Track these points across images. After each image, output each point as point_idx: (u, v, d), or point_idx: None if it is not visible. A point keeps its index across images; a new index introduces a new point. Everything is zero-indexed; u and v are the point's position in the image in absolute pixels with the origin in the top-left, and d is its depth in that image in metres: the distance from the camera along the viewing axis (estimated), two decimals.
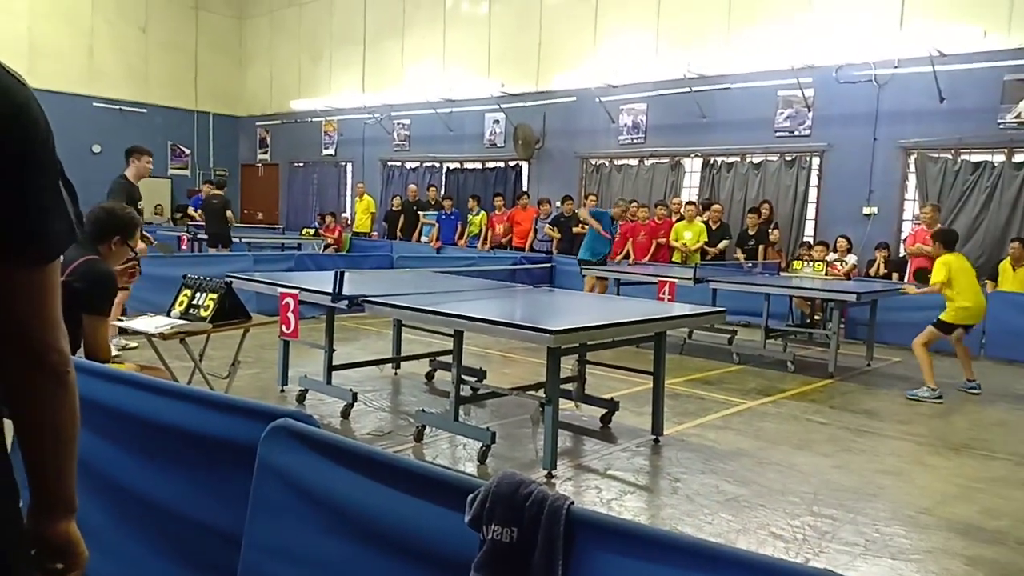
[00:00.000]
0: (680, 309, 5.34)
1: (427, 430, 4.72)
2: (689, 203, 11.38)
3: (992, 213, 9.69)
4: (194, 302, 4.30)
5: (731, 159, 11.92)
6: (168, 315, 4.34)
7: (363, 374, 6.08)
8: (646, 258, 11.13)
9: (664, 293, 6.83)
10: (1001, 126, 9.54)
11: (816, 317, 9.39)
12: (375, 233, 15.40)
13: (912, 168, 10.38)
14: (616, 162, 13.29)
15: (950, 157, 10.01)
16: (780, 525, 3.63)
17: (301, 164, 19.13)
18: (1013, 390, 6.99)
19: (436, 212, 14.17)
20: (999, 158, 9.70)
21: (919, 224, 9.70)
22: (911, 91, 10.08)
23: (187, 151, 19.33)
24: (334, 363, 5.41)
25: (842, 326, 7.65)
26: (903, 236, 10.35)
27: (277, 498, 1.91)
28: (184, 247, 11.23)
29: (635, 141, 12.97)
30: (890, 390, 6.86)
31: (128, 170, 6.85)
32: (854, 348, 8.20)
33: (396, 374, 6.50)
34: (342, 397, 5.17)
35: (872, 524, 3.67)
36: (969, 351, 7.04)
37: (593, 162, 13.63)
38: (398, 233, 14.49)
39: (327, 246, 13.77)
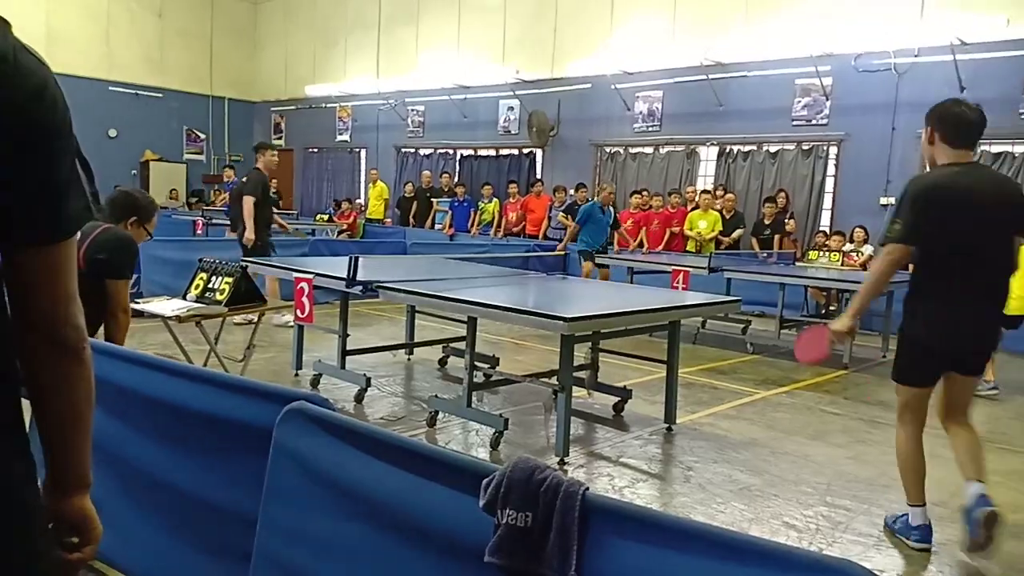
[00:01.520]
0: (694, 298, 5.31)
1: (440, 416, 4.73)
2: (704, 192, 11.31)
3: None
4: (210, 286, 4.32)
5: (747, 148, 11.82)
6: (184, 298, 4.36)
7: (377, 359, 6.10)
8: (660, 247, 11.08)
9: (678, 282, 6.80)
10: (1023, 116, 9.40)
11: (831, 308, 9.32)
12: (388, 219, 15.42)
13: None
14: (631, 150, 13.21)
15: None
16: (793, 515, 3.62)
17: (316, 150, 19.14)
18: None
19: (449, 199, 14.16)
20: (1020, 149, 9.56)
21: None
22: (931, 80, 9.93)
23: (202, 136, 19.39)
24: (348, 348, 5.43)
25: None
26: None
27: (292, 481, 1.92)
28: (199, 231, 11.29)
29: (650, 129, 12.89)
30: None
31: (258, 163, 7.61)
32: (869, 339, 8.13)
33: (409, 360, 6.52)
34: (356, 382, 5.19)
35: (885, 515, 3.65)
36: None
37: (608, 150, 13.55)
38: (411, 220, 14.50)
39: (341, 232, 13.80)
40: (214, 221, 11.73)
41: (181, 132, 18.86)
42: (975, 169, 3.37)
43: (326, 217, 14.89)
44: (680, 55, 12.08)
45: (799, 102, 11.18)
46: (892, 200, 10.29)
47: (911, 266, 3.46)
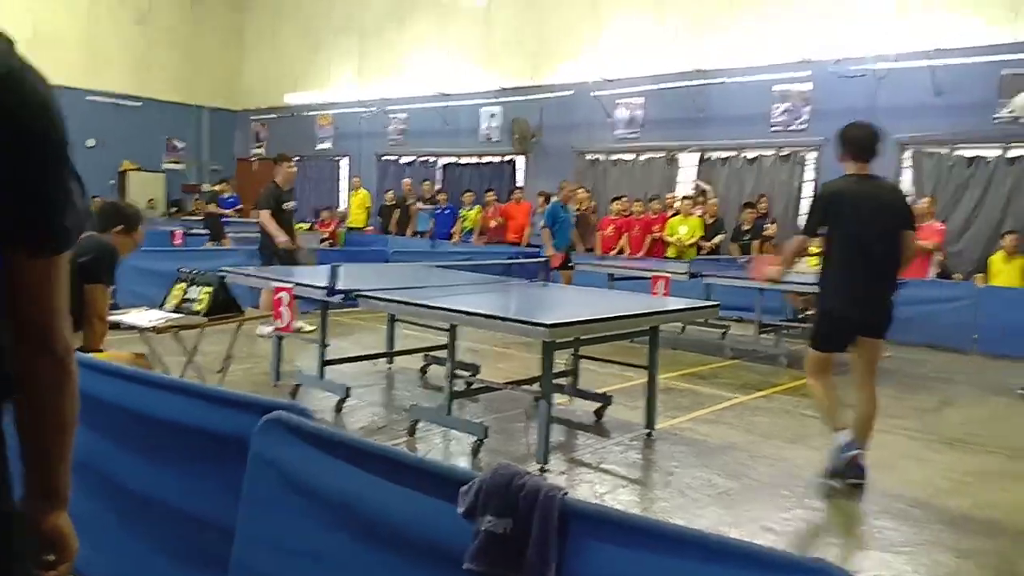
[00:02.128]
0: (674, 304, 5.35)
1: (420, 424, 4.72)
2: (685, 198, 11.40)
3: (986, 208, 9.73)
4: (188, 296, 4.29)
5: (726, 154, 11.93)
6: (161, 309, 4.33)
7: (357, 369, 6.08)
8: (641, 252, 11.14)
9: (658, 288, 6.84)
10: (996, 121, 9.57)
11: (809, 312, 9.41)
12: (371, 228, 15.39)
13: (908, 163, 10.41)
14: (612, 157, 13.29)
15: (946, 152, 10.04)
16: (772, 518, 3.64)
17: (296, 158, 19.04)
18: (1008, 384, 7.01)
19: (431, 207, 14.14)
20: (994, 153, 9.73)
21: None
22: (908, 85, 10.08)
23: (183, 145, 19.27)
24: (328, 358, 5.41)
25: None
26: None
27: (270, 490, 1.92)
28: (178, 242, 11.21)
29: (631, 135, 12.97)
30: (883, 385, 6.83)
31: (277, 176, 7.85)
32: None
33: (390, 369, 6.50)
34: (335, 392, 5.17)
35: (864, 517, 3.69)
36: None
37: (589, 156, 13.62)
38: (393, 228, 14.48)
39: (322, 240, 13.75)
40: (193, 231, 11.66)
41: (161, 141, 18.72)
42: (870, 179, 4.20)
43: (307, 226, 14.83)
44: (661, 62, 12.18)
45: (778, 108, 11.30)
46: None
47: (825, 256, 4.25)
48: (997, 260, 9.13)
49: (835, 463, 4.07)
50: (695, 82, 11.91)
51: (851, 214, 4.05)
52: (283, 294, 4.84)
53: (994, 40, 9.45)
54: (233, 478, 1.97)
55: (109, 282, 3.54)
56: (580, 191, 12.60)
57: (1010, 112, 9.46)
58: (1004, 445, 5.05)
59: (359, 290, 4.61)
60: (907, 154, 10.37)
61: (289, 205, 7.73)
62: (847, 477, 4.01)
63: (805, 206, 11.21)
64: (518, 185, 13.94)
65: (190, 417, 2.14)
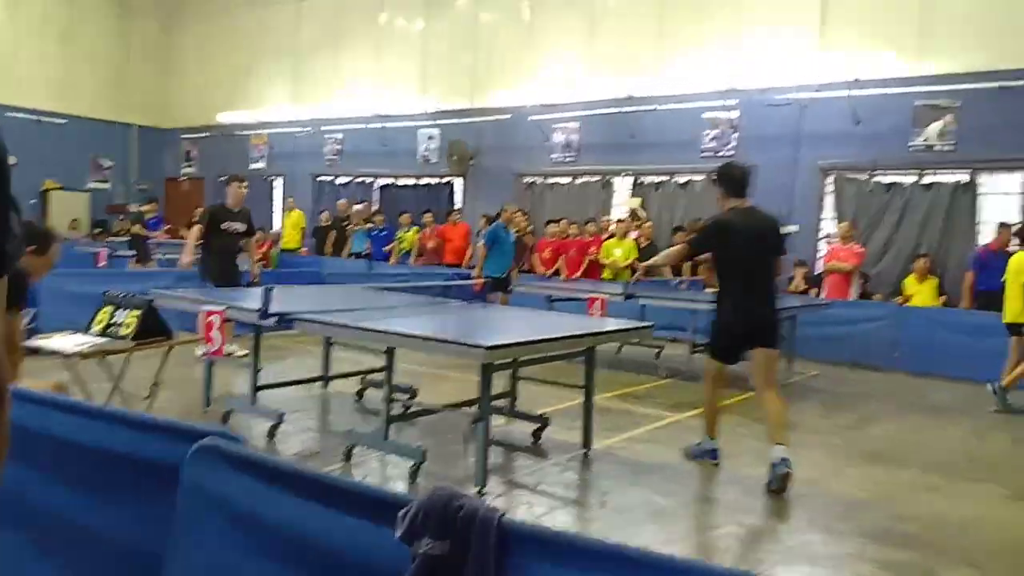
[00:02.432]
0: (610, 324, 5.44)
1: (357, 449, 4.66)
2: (619, 220, 11.63)
3: (903, 232, 10.22)
4: (114, 320, 4.16)
5: (659, 178, 12.24)
6: (87, 333, 4.18)
7: (291, 393, 5.97)
8: (578, 274, 11.29)
9: (595, 309, 6.94)
10: (911, 149, 10.10)
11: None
12: (304, 249, 15.17)
13: (830, 188, 10.87)
14: (549, 180, 13.47)
15: (865, 178, 10.53)
16: (706, 534, 3.73)
17: (223, 178, 18.70)
18: (926, 401, 7.35)
19: (367, 229, 14.03)
20: (910, 179, 10.25)
21: (835, 241, 10.15)
22: (830, 114, 10.56)
23: (108, 164, 18.68)
24: (261, 382, 5.30)
25: None
26: (820, 254, 10.81)
27: (203, 519, 1.87)
28: (102, 263, 10.83)
29: (568, 159, 13.18)
30: (809, 402, 7.12)
31: (227, 197, 7.75)
32: None
33: (325, 393, 6.40)
34: (268, 417, 5.07)
35: (791, 532, 3.81)
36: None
37: (527, 179, 13.78)
38: (327, 249, 14.31)
39: (256, 261, 13.46)
40: (118, 252, 11.29)
41: (86, 160, 18.10)
42: (750, 211, 4.91)
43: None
44: (595, 89, 12.45)
45: (708, 134, 11.67)
46: (796, 228, 10.92)
47: (718, 277, 4.93)
48: (911, 282, 9.60)
49: (775, 480, 4.36)
50: (628, 108, 12.21)
51: (739, 242, 4.69)
52: (214, 317, 4.73)
53: (907, 73, 10.00)
54: (164, 507, 1.92)
55: (21, 307, 3.37)
56: (518, 214, 12.73)
57: (924, 140, 10.01)
58: (921, 459, 5.28)
59: (294, 312, 4.55)
60: (829, 180, 10.83)
61: (230, 226, 7.49)
62: (782, 485, 4.34)
63: None
64: (456, 207, 13.98)
65: (118, 445, 2.08)
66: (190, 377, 6.24)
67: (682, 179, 11.97)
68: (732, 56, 11.28)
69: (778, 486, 4.30)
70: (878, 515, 4.12)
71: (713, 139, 11.62)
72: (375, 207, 15.21)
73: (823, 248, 10.83)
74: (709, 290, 7.68)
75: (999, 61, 9.39)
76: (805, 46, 10.71)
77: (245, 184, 7.81)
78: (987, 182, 9.79)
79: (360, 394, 6.29)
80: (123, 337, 4.09)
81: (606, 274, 11.14)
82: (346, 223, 14.33)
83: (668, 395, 7.03)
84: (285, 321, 4.52)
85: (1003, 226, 9.12)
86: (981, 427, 6.38)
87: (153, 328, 4.19)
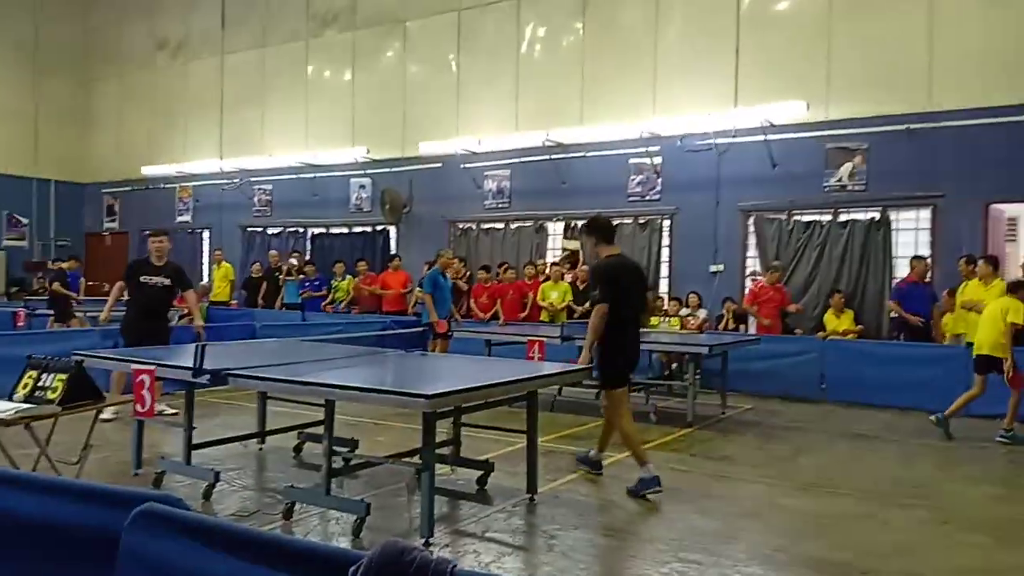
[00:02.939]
0: (550, 367, 5.50)
1: (297, 506, 4.55)
2: (554, 264, 11.81)
3: (823, 268, 10.69)
4: (40, 384, 3.99)
5: None
6: (11, 399, 4.00)
7: (226, 451, 5.80)
8: (520, 316, 11.36)
9: (534, 352, 7.00)
10: (826, 189, 10.63)
11: (673, 367, 9.93)
12: (235, 301, 14.85)
13: (751, 228, 11.31)
14: (483, 226, 13.61)
15: (784, 218, 11.00)
16: (650, 572, 3.77)
17: (146, 232, 18.24)
18: (853, 430, 7.62)
19: (298, 280, 13.84)
20: (826, 218, 10.76)
21: (760, 279, 10.52)
22: (747, 158, 11.05)
23: (25, 221, 17.99)
24: (195, 441, 5.14)
25: (697, 377, 8.12)
26: (746, 291, 11.18)
27: None
28: (21, 323, 10.36)
29: (500, 205, 13.37)
30: (744, 436, 7.31)
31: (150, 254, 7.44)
32: (710, 397, 8.67)
33: (261, 449, 6.24)
34: (203, 477, 4.91)
35: (733, 565, 3.88)
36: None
37: (461, 226, 13.89)
38: (259, 301, 14.04)
39: (182, 316, 13.12)
40: (37, 311, 10.83)
41: (0, 217, 17.40)
42: (623, 256, 5.75)
43: None
44: (524, 137, 12.73)
45: (633, 179, 12.03)
46: (721, 267, 11.29)
47: (609, 315, 5.21)
48: (830, 317, 10.02)
49: (639, 489, 5.06)
50: (556, 156, 12.52)
51: (626, 283, 5.31)
52: (144, 377, 4.58)
53: (817, 118, 10.59)
54: None
55: None
56: (454, 261, 12.79)
57: (837, 181, 10.55)
58: (852, 487, 5.46)
59: (228, 369, 4.46)
60: (750, 220, 11.28)
61: (150, 280, 7.21)
62: (647, 494, 5.06)
63: (664, 270, 11.91)
64: (394, 254, 13.91)
65: (49, 515, 2.00)
66: (117, 440, 6.01)
67: (613, 222, 12.24)
68: (652, 105, 11.72)
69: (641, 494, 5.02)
70: (816, 544, 4.24)
71: (639, 184, 11.99)
72: (307, 256, 15.05)
73: (748, 284, 11.22)
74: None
75: (903, 105, 10.04)
76: (720, 94, 11.22)
77: (161, 238, 7.49)
78: (898, 218, 10.36)
79: (298, 449, 6.15)
80: (50, 401, 3.92)
81: (544, 316, 11.25)
82: (278, 273, 14.12)
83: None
84: (219, 378, 4.42)
85: (917, 259, 9.65)
86: (907, 454, 6.65)
87: (82, 391, 4.03)
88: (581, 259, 11.92)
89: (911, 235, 10.29)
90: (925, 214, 10.17)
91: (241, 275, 15.37)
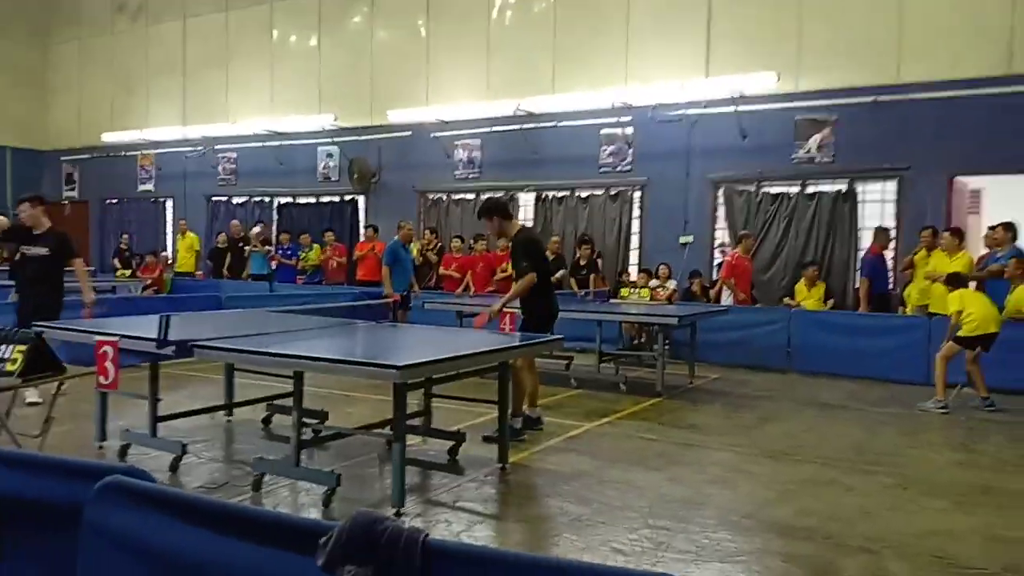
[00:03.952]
0: (520, 338, 5.49)
1: (266, 478, 4.52)
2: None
3: (791, 240, 10.80)
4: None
5: (562, 193, 12.47)
6: None
7: (193, 423, 5.73)
8: (487, 289, 11.32)
9: (504, 323, 6.99)
10: (795, 161, 10.70)
11: (642, 339, 10.01)
12: (200, 272, 14.61)
13: (721, 200, 11.36)
14: (453, 196, 13.50)
15: (753, 189, 11.07)
16: (620, 540, 3.81)
17: (115, 201, 17.84)
18: (818, 399, 7.76)
19: (264, 251, 13.63)
20: (794, 190, 10.85)
21: (735, 251, 10.54)
22: (718, 129, 11.06)
23: None
24: (160, 413, 5.06)
25: (667, 347, 8.19)
26: (715, 262, 11.27)
27: (110, 561, 1.78)
28: None
29: (471, 176, 13.26)
30: (712, 405, 7.40)
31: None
32: (679, 367, 8.77)
33: (229, 421, 6.17)
34: (170, 450, 4.84)
35: (702, 531, 3.94)
36: (982, 369, 7.31)
37: (431, 196, 13.76)
38: (224, 272, 13.83)
39: (146, 287, 12.89)
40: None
41: None
42: (527, 228, 6.85)
43: (127, 272, 13.84)
44: (495, 106, 12.59)
45: (605, 150, 12.00)
46: (691, 239, 11.33)
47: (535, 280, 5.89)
48: (801, 288, 10.15)
49: (523, 427, 5.80)
50: (528, 125, 12.42)
51: (543, 251, 6.29)
52: (107, 348, 4.48)
53: (786, 90, 10.61)
54: (66, 552, 1.80)
55: None
56: (426, 232, 12.71)
57: (806, 152, 10.62)
58: (817, 455, 5.57)
59: (194, 340, 4.37)
60: (720, 191, 11.33)
61: (28, 250, 6.61)
62: (532, 430, 5.90)
63: (635, 241, 11.95)
64: (370, 224, 13.70)
65: (12, 489, 1.94)
66: (82, 412, 5.89)
67: (584, 193, 12.24)
68: (624, 75, 11.66)
69: (519, 434, 5.66)
70: (782, 510, 4.32)
71: (611, 155, 11.96)
72: (274, 226, 14.83)
73: (717, 256, 11.31)
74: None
75: (872, 77, 10.11)
76: (692, 64, 11.19)
77: (24, 205, 6.66)
78: (865, 190, 10.48)
79: (267, 421, 6.10)
80: (9, 373, 3.82)
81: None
82: (243, 244, 13.90)
83: (579, 404, 7.15)
84: (185, 350, 4.34)
85: (880, 230, 9.79)
86: (870, 422, 6.80)
87: (42, 363, 3.93)
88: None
89: (877, 207, 10.42)
90: (891, 186, 10.30)
91: (207, 245, 15.10)
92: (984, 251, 9.08)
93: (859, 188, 10.48)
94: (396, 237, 10.10)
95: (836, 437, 6.19)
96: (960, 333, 7.19)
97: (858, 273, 10.20)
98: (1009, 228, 8.65)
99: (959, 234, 8.55)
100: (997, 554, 3.71)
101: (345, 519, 1.62)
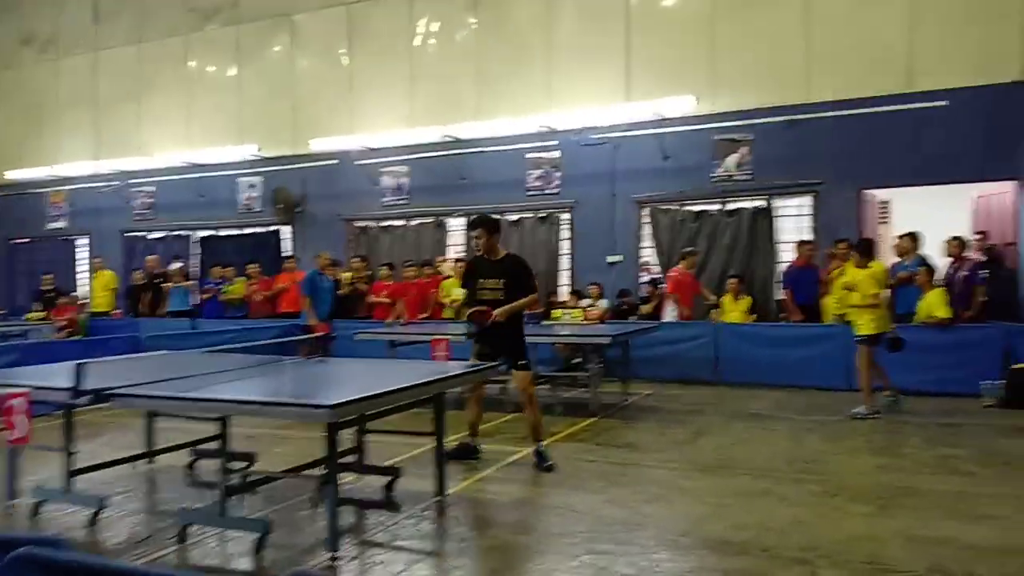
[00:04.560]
0: (457, 367, 5.44)
1: (193, 528, 4.32)
2: (457, 260, 11.73)
3: (714, 255, 11.09)
4: None
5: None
6: None
7: (112, 474, 5.45)
8: (423, 316, 11.22)
9: (439, 351, 6.92)
10: (714, 180, 11.03)
11: (577, 360, 10.06)
12: (118, 311, 14.03)
13: (647, 219, 11.60)
14: (382, 223, 13.39)
15: (676, 208, 11.34)
16: (562, 568, 3.78)
17: (24, 241, 17.03)
18: (747, 410, 7.94)
19: (187, 286, 13.21)
20: (715, 207, 11.17)
21: (678, 267, 10.68)
22: (641, 152, 11.32)
23: None
24: (76, 466, 4.80)
25: (600, 366, 8.26)
26: (642, 280, 11.47)
27: None
28: None
29: (399, 202, 13.18)
30: (646, 422, 7.49)
31: None
32: (613, 385, 8.84)
33: (151, 470, 5.90)
34: (87, 505, 4.59)
35: (642, 553, 3.95)
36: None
37: (358, 224, 13.61)
38: (144, 309, 13.33)
39: (60, 329, 12.30)
40: None
41: None
42: None
43: (40, 314, 13.18)
44: (421, 132, 12.58)
45: (532, 174, 12.12)
46: (620, 258, 11.50)
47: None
48: (727, 301, 10.42)
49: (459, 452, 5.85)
50: (454, 151, 12.45)
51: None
52: (17, 400, 4.23)
53: (704, 111, 10.95)
54: None
55: None
56: (354, 260, 12.54)
57: (724, 171, 10.96)
58: (750, 466, 5.69)
59: (111, 388, 4.17)
60: (645, 211, 11.57)
61: None
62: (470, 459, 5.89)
63: (565, 263, 12.06)
64: (289, 254, 13.46)
65: None
66: None
67: (513, 216, 12.30)
68: (548, 101, 11.82)
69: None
70: (717, 525, 4.38)
71: (538, 178, 12.09)
72: (198, 260, 14.40)
73: (644, 275, 11.51)
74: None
75: (784, 97, 10.54)
76: (613, 89, 11.44)
77: None
78: (781, 206, 10.87)
79: (191, 466, 5.84)
80: None
81: (447, 313, 11.17)
82: (161, 280, 13.43)
83: (515, 430, 7.11)
84: (101, 397, 4.13)
85: (803, 243, 10.14)
86: (797, 430, 6.99)
87: None
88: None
89: (793, 221, 10.82)
90: (806, 201, 10.72)
91: (124, 283, 14.53)
92: (895, 259, 9.51)
93: (776, 204, 10.86)
94: (315, 268, 9.95)
95: (766, 448, 6.34)
96: (862, 332, 7.49)
97: (779, 285, 10.54)
98: (914, 238, 9.10)
99: (870, 244, 8.93)
100: (922, 555, 3.84)
101: None
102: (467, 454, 5.92)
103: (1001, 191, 10.10)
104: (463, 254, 12.39)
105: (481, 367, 5.35)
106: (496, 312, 5.65)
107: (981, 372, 8.00)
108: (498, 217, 11.84)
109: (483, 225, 5.90)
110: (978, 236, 9.77)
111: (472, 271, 6.05)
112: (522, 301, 5.79)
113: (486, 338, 5.81)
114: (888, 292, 7.90)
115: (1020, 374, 7.76)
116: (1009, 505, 4.65)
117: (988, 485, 5.11)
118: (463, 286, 6.18)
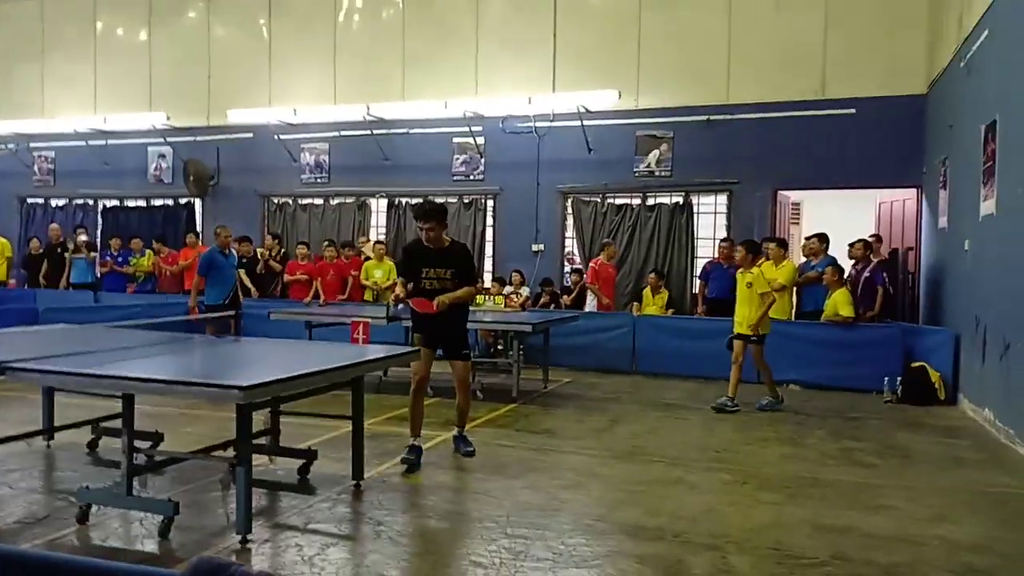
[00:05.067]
0: (376, 351, 5.35)
1: (94, 508, 4.10)
2: (378, 242, 11.55)
3: (634, 249, 11.30)
4: None
5: (415, 200, 12.35)
6: None
7: (7, 450, 5.13)
8: (342, 297, 11.00)
9: (358, 334, 6.81)
10: (636, 174, 11.21)
11: (499, 346, 10.09)
12: (12, 281, 13.19)
13: (570, 210, 11.71)
14: (300, 201, 13.03)
15: (598, 200, 11.49)
16: (479, 552, 3.78)
17: None
18: (662, 400, 8.14)
19: (88, 256, 12.53)
20: (636, 202, 11.37)
21: (598, 257, 10.80)
22: (565, 143, 11.40)
23: None
24: None
25: (521, 353, 8.30)
26: (566, 270, 11.59)
27: None
28: None
29: (319, 180, 12.86)
30: (565, 409, 7.57)
31: None
32: (533, 373, 8.90)
33: (49, 447, 5.58)
34: None
35: (558, 538, 3.99)
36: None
37: (275, 200, 13.21)
38: (41, 280, 12.59)
39: None
40: None
41: None
42: None
43: None
44: (343, 110, 12.29)
45: (458, 159, 12.03)
46: (542, 247, 11.56)
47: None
48: (647, 294, 10.65)
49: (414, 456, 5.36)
50: (379, 132, 12.22)
51: None
52: None
53: (627, 107, 11.11)
54: None
55: None
56: (267, 238, 12.18)
57: (646, 166, 11.16)
58: (663, 454, 5.82)
59: (5, 361, 3.90)
60: (568, 202, 11.67)
61: None
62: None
63: (489, 249, 12.05)
64: (196, 229, 12.98)
65: None
66: None
67: (437, 201, 12.15)
68: (474, 86, 11.75)
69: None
70: (633, 511, 4.47)
71: (463, 163, 12.01)
72: (99, 231, 13.67)
73: (566, 265, 11.62)
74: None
75: (704, 98, 10.80)
76: (539, 79, 11.45)
77: None
78: (699, 202, 11.16)
79: (93, 445, 5.56)
80: None
81: (368, 295, 10.99)
82: (62, 250, 12.70)
83: (436, 414, 7.03)
84: None
85: (724, 241, 10.43)
86: (709, 420, 7.21)
87: None
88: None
89: (710, 218, 11.13)
90: (723, 199, 11.04)
91: (20, 252, 13.66)
92: (803, 259, 9.91)
93: (694, 200, 11.15)
94: (214, 244, 9.44)
95: (679, 436, 6.51)
96: (747, 332, 7.69)
97: (696, 279, 10.83)
98: (823, 239, 9.50)
99: (783, 244, 9.28)
100: (825, 543, 4.02)
101: (185, 569, 1.46)
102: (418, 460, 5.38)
103: (904, 197, 10.66)
104: (383, 236, 12.22)
105: (401, 352, 5.27)
106: (437, 300, 5.38)
107: (882, 369, 8.42)
108: (443, 201, 11.90)
109: (436, 217, 5.49)
110: (871, 238, 10.16)
111: (412, 258, 5.62)
112: (465, 290, 5.58)
113: (425, 326, 5.56)
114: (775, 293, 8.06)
115: (917, 372, 8.22)
116: (904, 496, 4.92)
117: (887, 477, 5.39)
118: (401, 274, 5.79)
